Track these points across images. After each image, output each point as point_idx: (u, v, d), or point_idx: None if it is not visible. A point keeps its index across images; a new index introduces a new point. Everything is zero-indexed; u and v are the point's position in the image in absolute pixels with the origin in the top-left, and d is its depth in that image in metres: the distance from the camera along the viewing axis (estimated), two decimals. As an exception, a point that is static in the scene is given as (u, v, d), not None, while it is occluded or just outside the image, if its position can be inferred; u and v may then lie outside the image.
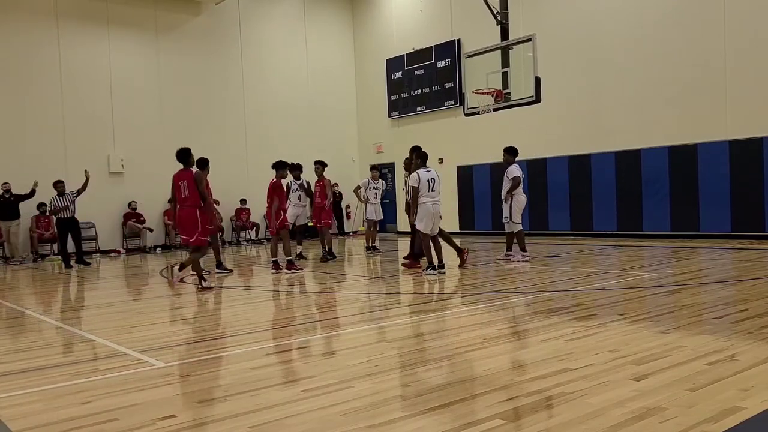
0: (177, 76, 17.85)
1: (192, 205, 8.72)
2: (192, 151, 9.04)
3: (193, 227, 8.74)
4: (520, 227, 10.60)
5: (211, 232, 10.14)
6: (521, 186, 10.57)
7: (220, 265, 10.74)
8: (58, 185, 13.22)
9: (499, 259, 10.72)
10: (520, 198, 10.55)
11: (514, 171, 10.50)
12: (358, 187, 14.05)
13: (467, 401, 3.47)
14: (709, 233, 13.32)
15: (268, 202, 10.73)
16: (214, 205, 9.93)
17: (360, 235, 18.73)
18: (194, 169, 9.06)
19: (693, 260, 10.05)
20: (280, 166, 10.65)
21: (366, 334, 5.63)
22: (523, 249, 10.60)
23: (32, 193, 14.56)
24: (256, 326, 6.16)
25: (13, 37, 15.55)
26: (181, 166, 8.93)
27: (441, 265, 9.34)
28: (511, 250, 10.70)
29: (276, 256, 10.81)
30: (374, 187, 13.77)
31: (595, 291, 7.26)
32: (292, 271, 10.31)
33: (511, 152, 10.75)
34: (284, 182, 10.93)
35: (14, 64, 15.56)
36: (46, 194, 14.62)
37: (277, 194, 10.48)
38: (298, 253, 12.42)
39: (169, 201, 16.57)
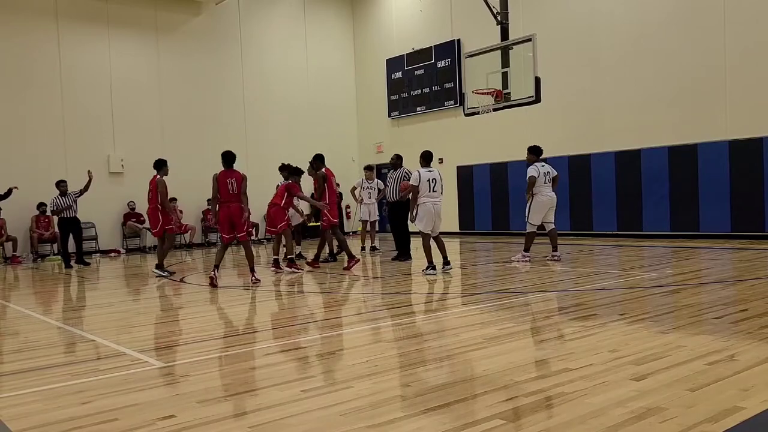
0: (177, 76, 17.85)
1: (237, 201, 9.47)
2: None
3: (243, 223, 9.46)
4: (533, 228, 10.49)
5: (171, 231, 10.79)
6: (546, 185, 10.38)
7: (160, 266, 10.62)
8: (61, 185, 13.22)
9: (551, 260, 10.37)
10: (539, 198, 10.34)
11: (530, 170, 10.36)
12: (354, 188, 14.03)
13: (467, 401, 3.48)
14: (709, 233, 13.32)
15: (288, 201, 10.71)
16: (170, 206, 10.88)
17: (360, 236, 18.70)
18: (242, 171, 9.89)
19: (693, 260, 10.05)
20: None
21: (366, 334, 5.63)
22: (526, 249, 10.56)
23: (8, 194, 13.87)
24: (256, 326, 6.16)
25: (13, 37, 15.54)
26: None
27: (446, 263, 9.33)
28: (528, 251, 10.53)
29: (278, 255, 10.81)
30: (368, 187, 13.69)
31: (595, 291, 7.26)
32: (293, 270, 10.31)
33: (531, 151, 10.60)
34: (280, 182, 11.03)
35: (14, 64, 15.55)
36: (36, 194, 14.80)
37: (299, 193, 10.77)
38: (297, 253, 12.41)
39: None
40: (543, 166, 10.52)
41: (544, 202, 10.42)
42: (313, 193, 11.48)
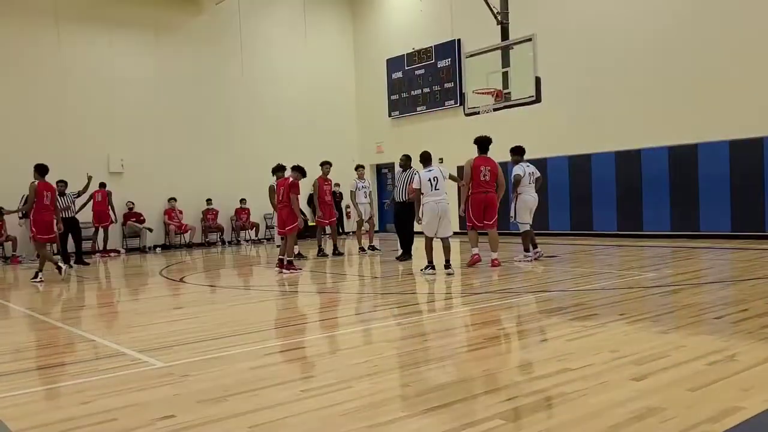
0: (177, 76, 17.84)
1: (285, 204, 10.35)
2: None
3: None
4: (527, 227, 10.51)
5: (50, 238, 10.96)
6: (531, 185, 10.40)
7: (37, 274, 10.65)
8: (60, 185, 13.20)
9: (517, 261, 10.42)
10: (524, 197, 10.38)
11: (516, 169, 10.42)
12: (353, 193, 13.95)
13: (467, 401, 3.47)
14: (709, 233, 13.31)
15: (283, 201, 10.60)
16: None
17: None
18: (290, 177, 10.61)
19: (693, 260, 10.05)
20: (278, 169, 10.87)
21: (365, 334, 5.63)
22: (526, 249, 10.54)
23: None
24: (256, 326, 6.16)
25: (13, 37, 15.53)
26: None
27: (447, 266, 9.34)
28: (529, 251, 10.51)
29: (284, 255, 10.73)
30: (363, 187, 13.64)
31: (595, 291, 7.25)
32: (291, 271, 10.28)
33: (514, 151, 10.66)
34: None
35: (14, 64, 15.54)
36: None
37: (295, 192, 10.48)
38: (297, 253, 12.40)
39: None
40: (528, 166, 10.55)
41: (529, 201, 10.45)
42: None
